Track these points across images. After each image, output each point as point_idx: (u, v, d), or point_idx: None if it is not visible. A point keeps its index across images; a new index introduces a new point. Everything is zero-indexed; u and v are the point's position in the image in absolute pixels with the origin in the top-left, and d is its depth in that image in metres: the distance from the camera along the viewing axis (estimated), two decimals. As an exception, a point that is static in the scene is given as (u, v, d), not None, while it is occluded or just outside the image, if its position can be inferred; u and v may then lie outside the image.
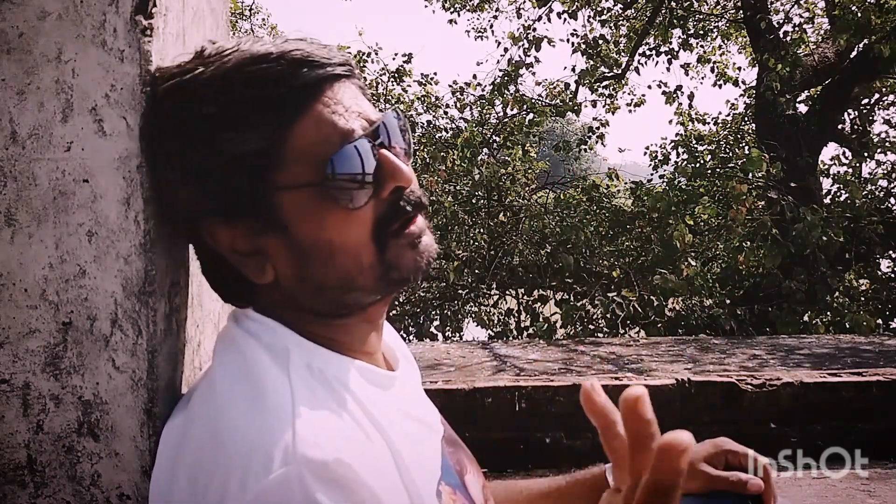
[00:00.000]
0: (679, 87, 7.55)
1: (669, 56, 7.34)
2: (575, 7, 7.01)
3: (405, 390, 0.66)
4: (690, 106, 7.61)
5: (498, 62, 7.04)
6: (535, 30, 7.01)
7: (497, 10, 7.91)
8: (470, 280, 5.29)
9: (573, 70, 7.24)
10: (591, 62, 7.19)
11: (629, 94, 8.15)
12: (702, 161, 5.68)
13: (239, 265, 0.60)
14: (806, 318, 4.32)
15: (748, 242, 4.31)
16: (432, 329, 5.33)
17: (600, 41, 7.32)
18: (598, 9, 7.43)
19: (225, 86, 0.57)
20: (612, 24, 7.70)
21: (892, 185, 6.51)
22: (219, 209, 0.59)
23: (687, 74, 7.91)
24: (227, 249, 0.60)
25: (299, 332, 0.60)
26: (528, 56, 6.75)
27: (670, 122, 7.99)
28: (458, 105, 7.03)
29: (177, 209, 0.61)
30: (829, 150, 7.04)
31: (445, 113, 7.09)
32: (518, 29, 7.21)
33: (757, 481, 0.76)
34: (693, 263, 4.36)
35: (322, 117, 0.57)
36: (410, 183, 0.60)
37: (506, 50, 7.10)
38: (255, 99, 0.56)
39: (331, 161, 0.56)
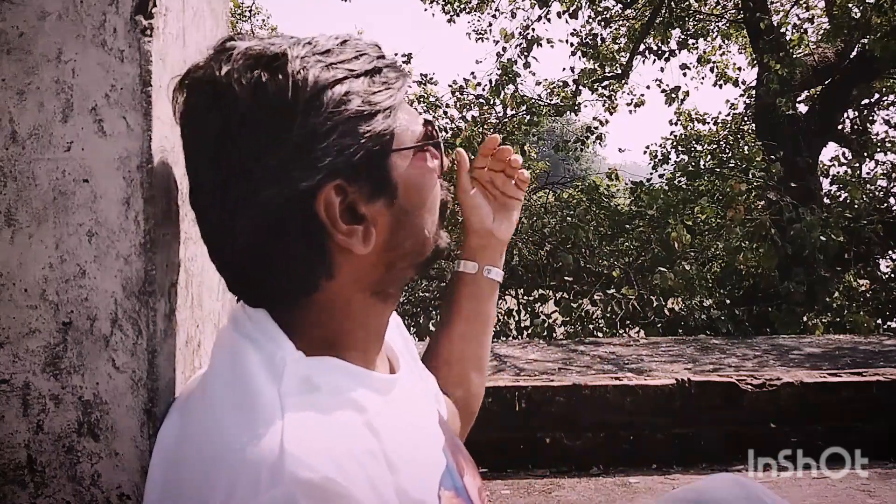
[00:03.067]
0: (677, 88, 7.55)
1: (667, 56, 7.34)
2: (575, 7, 7.01)
3: (406, 393, 0.66)
4: (682, 102, 7.60)
5: (497, 59, 7.05)
6: (533, 30, 7.02)
7: (497, 9, 7.92)
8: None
9: (572, 70, 7.25)
10: (591, 62, 7.20)
11: (629, 94, 8.16)
12: (701, 161, 5.68)
13: (346, 235, 0.58)
14: (805, 318, 4.32)
15: (747, 242, 4.32)
16: (431, 328, 5.34)
17: (600, 41, 7.33)
18: (598, 9, 7.43)
19: (358, 59, 0.61)
20: (611, 24, 7.71)
21: (892, 185, 6.52)
22: (341, 169, 0.57)
23: (685, 75, 7.92)
24: (336, 218, 0.57)
25: (315, 328, 0.60)
26: (525, 57, 6.76)
27: (670, 121, 7.99)
28: (458, 105, 7.04)
29: (297, 173, 0.56)
30: (829, 151, 7.06)
31: (445, 113, 7.09)
32: (516, 28, 7.22)
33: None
34: (688, 266, 4.35)
35: (405, 101, 0.65)
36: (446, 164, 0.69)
37: (504, 49, 7.11)
38: (386, 78, 0.62)
39: (428, 128, 0.65)
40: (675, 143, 7.05)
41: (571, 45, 7.27)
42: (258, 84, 0.56)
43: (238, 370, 0.56)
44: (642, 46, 7.35)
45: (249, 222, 0.56)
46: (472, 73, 7.13)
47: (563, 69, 7.25)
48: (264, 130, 0.55)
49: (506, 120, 6.77)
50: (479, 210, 0.88)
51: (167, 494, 0.54)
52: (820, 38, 6.98)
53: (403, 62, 7.33)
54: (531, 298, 4.98)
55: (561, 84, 7.30)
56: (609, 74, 7.56)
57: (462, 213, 0.89)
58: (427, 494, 0.59)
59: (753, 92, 6.72)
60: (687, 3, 7.02)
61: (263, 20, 9.67)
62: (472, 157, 0.89)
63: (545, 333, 4.27)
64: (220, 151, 0.56)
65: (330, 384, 0.57)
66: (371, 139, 0.59)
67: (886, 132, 7.46)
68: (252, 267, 0.59)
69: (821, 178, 6.54)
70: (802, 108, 6.67)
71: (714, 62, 7.82)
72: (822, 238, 4.16)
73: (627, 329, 4.39)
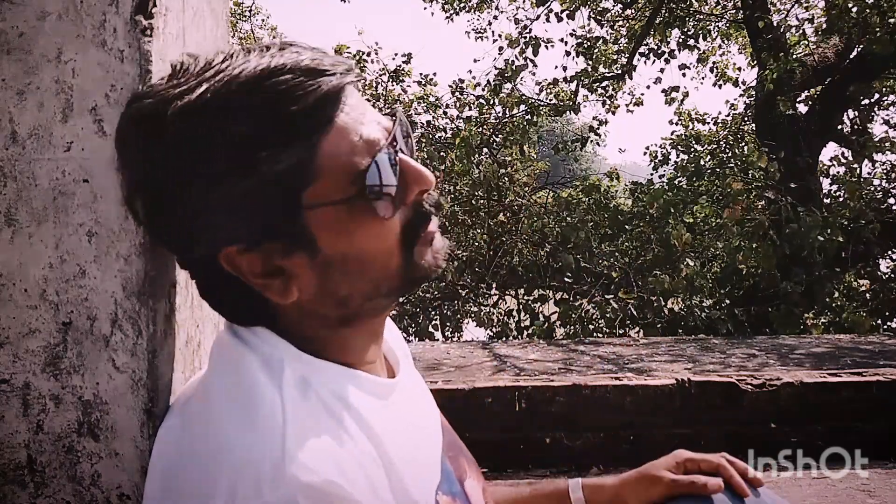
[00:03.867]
0: (675, 88, 7.54)
1: (666, 57, 7.34)
2: (573, 7, 7.01)
3: (405, 396, 0.66)
4: (681, 102, 7.60)
5: (495, 60, 7.06)
6: (530, 31, 7.02)
7: (497, 8, 7.92)
8: (470, 280, 5.30)
9: (564, 69, 7.23)
10: (589, 63, 7.19)
11: (629, 94, 8.16)
12: (701, 161, 5.68)
13: (262, 289, 0.57)
14: (805, 318, 4.32)
15: (746, 242, 4.32)
16: (430, 329, 5.34)
17: (599, 42, 7.33)
18: (598, 9, 7.43)
19: (251, 102, 0.52)
20: (610, 25, 7.71)
21: (891, 186, 6.52)
22: (245, 235, 0.55)
23: (684, 76, 7.93)
24: (248, 274, 0.56)
25: (300, 341, 0.59)
26: (523, 58, 6.76)
27: (670, 122, 7.99)
28: (458, 105, 7.03)
29: (193, 240, 0.56)
30: (829, 151, 7.05)
31: (445, 113, 7.09)
32: (516, 29, 7.22)
33: (716, 481, 0.78)
34: (691, 263, 4.36)
35: (347, 128, 0.55)
36: (432, 184, 0.59)
37: (501, 49, 7.11)
38: (285, 114, 0.52)
39: (363, 174, 0.55)
40: (675, 144, 7.05)
41: (565, 43, 7.25)
42: (145, 151, 0.54)
43: (238, 371, 0.56)
44: (642, 47, 7.35)
45: (190, 269, 0.61)
46: (470, 71, 7.15)
47: (556, 66, 7.24)
48: (152, 201, 0.56)
49: (505, 120, 6.77)
50: (651, 489, 0.80)
51: (167, 494, 0.53)
52: (820, 38, 6.98)
53: (403, 62, 7.33)
54: (531, 298, 4.98)
55: (555, 83, 7.29)
56: (609, 74, 7.56)
57: (643, 470, 0.82)
58: (425, 497, 0.59)
59: (753, 92, 6.73)
60: (687, 2, 7.02)
61: (263, 20, 9.69)
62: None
63: (545, 334, 4.27)
64: (160, 193, 0.55)
65: (328, 387, 0.57)
66: (269, 207, 0.53)
67: (886, 132, 7.46)
68: (211, 300, 0.62)
69: (821, 177, 6.54)
70: (802, 109, 6.67)
71: (714, 62, 7.83)
72: (820, 238, 4.17)
73: (627, 329, 4.40)
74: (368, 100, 0.65)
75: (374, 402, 0.60)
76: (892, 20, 4.78)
